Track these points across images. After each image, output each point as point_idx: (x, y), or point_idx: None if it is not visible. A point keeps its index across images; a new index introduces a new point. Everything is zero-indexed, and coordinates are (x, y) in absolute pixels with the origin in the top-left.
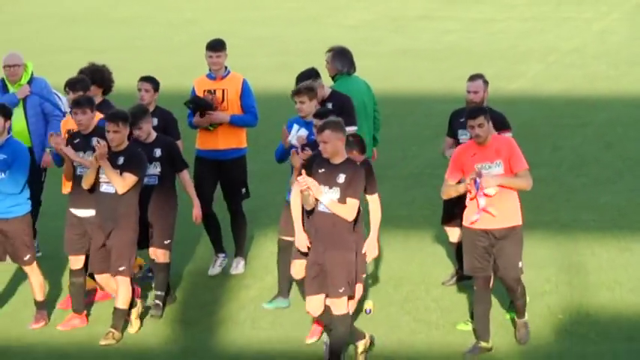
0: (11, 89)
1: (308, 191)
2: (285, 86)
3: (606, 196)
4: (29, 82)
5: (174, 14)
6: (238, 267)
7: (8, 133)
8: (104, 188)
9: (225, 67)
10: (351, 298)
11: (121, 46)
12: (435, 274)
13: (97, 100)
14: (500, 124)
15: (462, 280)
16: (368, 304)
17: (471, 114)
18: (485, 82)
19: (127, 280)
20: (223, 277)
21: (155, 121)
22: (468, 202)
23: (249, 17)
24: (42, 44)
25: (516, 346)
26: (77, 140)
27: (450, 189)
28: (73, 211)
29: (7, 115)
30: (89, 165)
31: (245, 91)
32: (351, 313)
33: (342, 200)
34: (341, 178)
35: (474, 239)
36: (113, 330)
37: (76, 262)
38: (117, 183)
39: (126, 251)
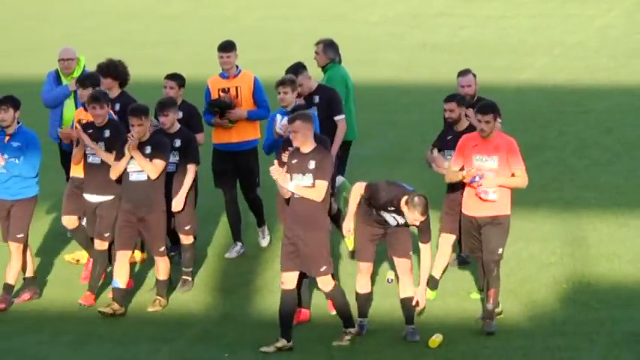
0: (64, 81)
1: (281, 181)
2: (317, 75)
3: (606, 176)
4: (81, 76)
5: (216, 10)
6: (264, 236)
7: (17, 122)
8: (134, 177)
9: (237, 66)
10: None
11: (168, 40)
12: None
13: (115, 92)
14: (493, 108)
15: (463, 264)
16: (390, 274)
17: (482, 109)
18: (474, 76)
19: (166, 257)
20: (259, 250)
21: (180, 114)
22: (466, 192)
23: (284, 14)
24: (98, 38)
25: (525, 312)
26: (90, 131)
27: (453, 175)
28: (86, 195)
29: (17, 106)
30: (102, 155)
31: (257, 88)
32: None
33: (313, 184)
34: (311, 164)
35: (468, 224)
36: (159, 298)
37: (69, 221)
38: (149, 170)
39: (162, 233)
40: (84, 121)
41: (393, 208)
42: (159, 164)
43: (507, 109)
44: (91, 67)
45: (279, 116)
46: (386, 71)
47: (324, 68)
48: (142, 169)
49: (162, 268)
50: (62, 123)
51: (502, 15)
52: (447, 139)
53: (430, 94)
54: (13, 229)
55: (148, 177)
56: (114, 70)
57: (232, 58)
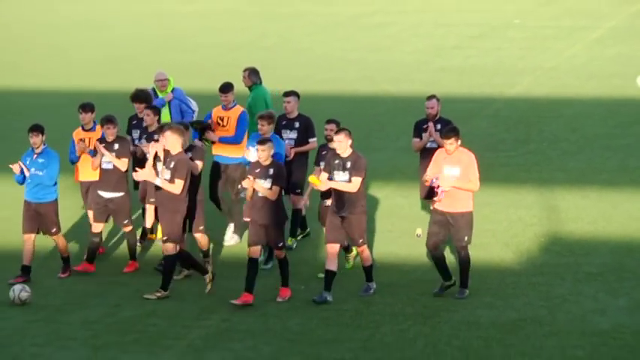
0: (160, 95)
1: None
2: (370, 91)
3: (573, 162)
4: (172, 91)
5: (296, 44)
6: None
7: (44, 144)
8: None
9: (234, 100)
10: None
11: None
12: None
13: (142, 114)
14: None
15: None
16: (418, 230)
17: (446, 134)
18: (438, 100)
19: (203, 234)
20: None
21: (297, 124)
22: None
23: (343, 46)
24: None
25: (514, 259)
26: (103, 144)
27: (426, 178)
28: (100, 192)
29: (44, 132)
30: (117, 162)
31: (240, 119)
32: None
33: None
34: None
35: (434, 216)
36: (206, 260)
37: (97, 227)
38: (151, 179)
39: (200, 216)
40: (86, 138)
41: (337, 161)
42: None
43: (502, 114)
44: (188, 66)
45: (251, 148)
46: (415, 87)
47: (250, 88)
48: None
49: (203, 245)
50: None
51: (498, 47)
52: (423, 127)
53: (446, 104)
54: (46, 226)
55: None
56: (145, 97)
57: (229, 97)
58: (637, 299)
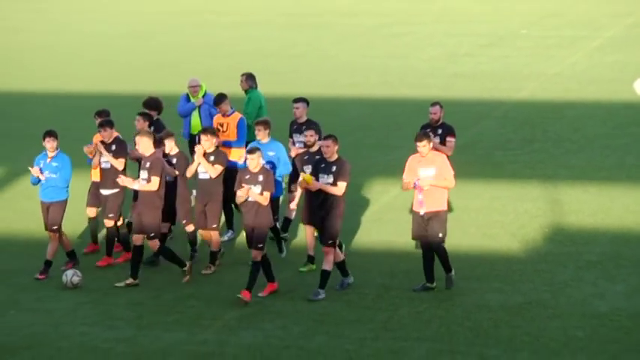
0: (192, 100)
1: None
2: (389, 95)
3: (574, 160)
4: (203, 96)
5: (321, 51)
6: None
7: (57, 148)
8: (201, 176)
9: (231, 108)
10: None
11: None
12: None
13: (155, 117)
14: (450, 130)
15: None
16: None
17: (418, 138)
18: (441, 106)
19: (217, 232)
20: None
21: (305, 128)
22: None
23: (365, 53)
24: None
25: (520, 247)
26: (105, 146)
27: (404, 184)
28: (100, 190)
29: (57, 136)
30: (113, 161)
31: (238, 125)
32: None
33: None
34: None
35: (416, 217)
36: (211, 265)
37: (91, 212)
38: (212, 171)
39: (217, 214)
40: (99, 140)
41: (323, 165)
42: (219, 169)
43: (509, 116)
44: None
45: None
46: (430, 91)
47: (246, 91)
48: (206, 170)
49: (214, 240)
50: (191, 128)
51: (506, 55)
52: (427, 130)
53: (458, 106)
54: (50, 223)
55: (210, 176)
56: (155, 104)
57: (223, 107)
58: (633, 285)
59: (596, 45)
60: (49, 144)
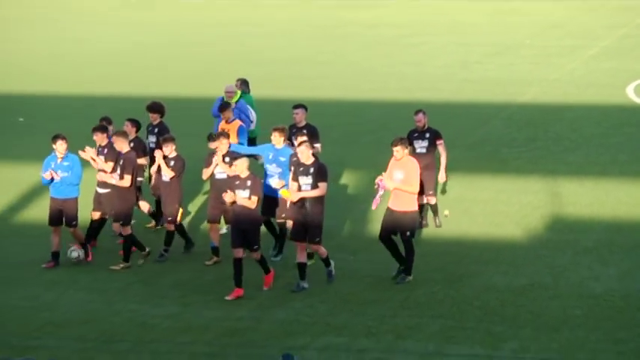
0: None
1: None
2: (407, 98)
3: (572, 157)
4: (236, 102)
5: (345, 57)
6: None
7: (66, 150)
8: (218, 176)
9: (233, 116)
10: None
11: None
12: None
13: (156, 121)
14: (437, 134)
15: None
16: (446, 211)
17: (393, 143)
18: (424, 113)
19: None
20: None
21: (304, 131)
22: (392, 194)
23: (383, 63)
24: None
25: (523, 235)
26: (99, 149)
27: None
28: (97, 188)
29: (66, 140)
30: (102, 165)
31: (239, 131)
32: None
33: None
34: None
35: (389, 212)
36: (215, 257)
37: (95, 215)
38: (227, 171)
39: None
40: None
41: (302, 168)
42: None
43: (514, 117)
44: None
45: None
46: (443, 95)
47: (240, 94)
48: (224, 171)
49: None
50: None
51: (512, 62)
52: (414, 136)
53: (469, 108)
54: (69, 219)
55: (227, 176)
56: (158, 108)
57: (226, 114)
58: (625, 269)
59: (592, 53)
60: (62, 146)
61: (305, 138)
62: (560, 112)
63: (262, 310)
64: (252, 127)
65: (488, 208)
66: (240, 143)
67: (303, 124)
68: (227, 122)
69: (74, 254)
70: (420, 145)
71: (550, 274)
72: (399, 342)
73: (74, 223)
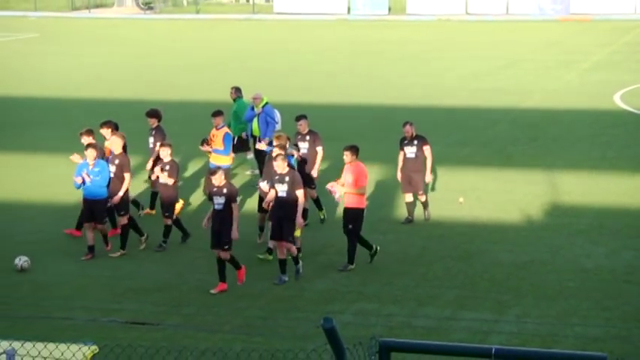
0: (255, 109)
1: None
2: (428, 104)
3: (568, 154)
4: (263, 107)
5: (366, 70)
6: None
7: (96, 157)
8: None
9: (222, 123)
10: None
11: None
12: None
13: (154, 125)
14: (424, 141)
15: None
16: (460, 199)
17: (344, 148)
18: (411, 124)
19: None
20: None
21: (307, 137)
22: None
23: (405, 73)
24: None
25: (524, 220)
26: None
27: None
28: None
29: (97, 148)
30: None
31: (224, 138)
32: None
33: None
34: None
35: (344, 210)
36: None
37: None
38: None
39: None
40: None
41: (277, 177)
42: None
43: (519, 120)
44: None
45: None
46: (459, 101)
47: (234, 100)
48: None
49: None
50: (252, 130)
51: (517, 74)
52: (404, 143)
53: (480, 113)
54: (99, 218)
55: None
56: (155, 113)
57: (217, 120)
58: (612, 248)
59: (585, 67)
60: (94, 154)
61: (280, 152)
62: (558, 116)
63: (305, 280)
64: (278, 127)
65: (496, 197)
66: (225, 147)
67: (306, 131)
68: (217, 129)
69: (25, 264)
70: (410, 151)
71: (548, 252)
72: (421, 308)
73: (104, 221)
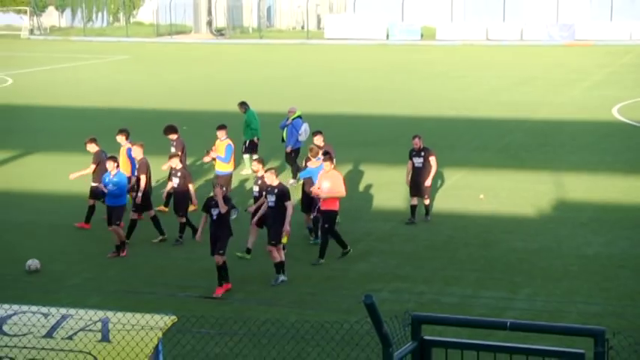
0: (288, 121)
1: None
2: (454, 115)
3: (572, 158)
4: (293, 119)
5: (398, 84)
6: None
7: (117, 168)
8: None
9: (224, 135)
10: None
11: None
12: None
13: (174, 138)
14: (430, 153)
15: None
16: (481, 195)
17: (325, 160)
18: (420, 138)
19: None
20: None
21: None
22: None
23: (438, 89)
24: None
25: (536, 213)
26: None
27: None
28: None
29: (116, 160)
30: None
31: (226, 148)
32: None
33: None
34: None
35: (321, 210)
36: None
37: (90, 202)
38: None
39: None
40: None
41: (269, 189)
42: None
43: (531, 129)
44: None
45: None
46: (480, 112)
47: (244, 112)
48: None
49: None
50: (283, 137)
51: (529, 90)
52: (413, 154)
53: (497, 123)
54: (116, 220)
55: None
56: (173, 129)
57: (219, 133)
58: (609, 238)
59: (587, 84)
60: (111, 165)
61: (272, 167)
62: (564, 126)
63: (349, 263)
64: (303, 138)
65: (511, 194)
66: (226, 155)
67: (322, 144)
68: (220, 140)
69: (33, 266)
70: (418, 161)
71: (555, 241)
72: (447, 287)
73: (117, 223)
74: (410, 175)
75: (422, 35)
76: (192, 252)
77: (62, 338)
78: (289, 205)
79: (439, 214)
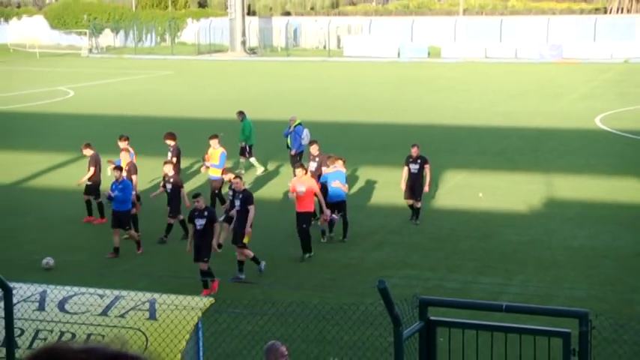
0: (291, 128)
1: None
2: (456, 123)
3: (561, 161)
4: (295, 127)
5: (428, 97)
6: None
7: (122, 176)
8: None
9: (218, 144)
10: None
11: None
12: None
13: (172, 144)
14: (425, 161)
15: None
16: (480, 194)
17: (299, 167)
18: (418, 147)
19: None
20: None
21: (317, 159)
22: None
23: (443, 100)
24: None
25: (528, 209)
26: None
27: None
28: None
29: (122, 169)
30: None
31: (221, 156)
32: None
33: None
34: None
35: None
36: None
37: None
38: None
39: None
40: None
41: (236, 194)
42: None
43: (525, 136)
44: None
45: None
46: (480, 121)
47: (241, 120)
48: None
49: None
50: (287, 143)
51: (524, 102)
52: (409, 161)
53: (495, 131)
54: (124, 224)
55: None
56: (172, 136)
57: (212, 141)
58: (593, 232)
59: (574, 97)
60: (118, 173)
61: (240, 174)
62: (553, 134)
63: (365, 253)
64: (305, 142)
65: (506, 192)
66: (220, 163)
67: (317, 154)
68: (214, 148)
69: (50, 263)
70: (414, 168)
71: (545, 234)
72: (450, 274)
73: (127, 227)
74: (405, 181)
75: (429, 54)
76: (227, 241)
77: (115, 316)
78: (251, 209)
79: (443, 210)
